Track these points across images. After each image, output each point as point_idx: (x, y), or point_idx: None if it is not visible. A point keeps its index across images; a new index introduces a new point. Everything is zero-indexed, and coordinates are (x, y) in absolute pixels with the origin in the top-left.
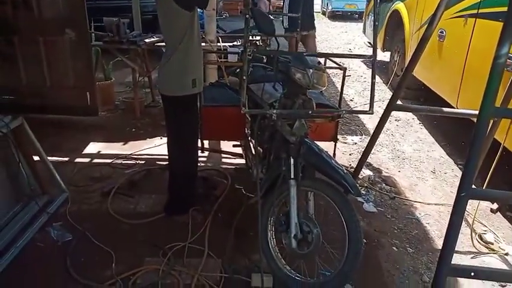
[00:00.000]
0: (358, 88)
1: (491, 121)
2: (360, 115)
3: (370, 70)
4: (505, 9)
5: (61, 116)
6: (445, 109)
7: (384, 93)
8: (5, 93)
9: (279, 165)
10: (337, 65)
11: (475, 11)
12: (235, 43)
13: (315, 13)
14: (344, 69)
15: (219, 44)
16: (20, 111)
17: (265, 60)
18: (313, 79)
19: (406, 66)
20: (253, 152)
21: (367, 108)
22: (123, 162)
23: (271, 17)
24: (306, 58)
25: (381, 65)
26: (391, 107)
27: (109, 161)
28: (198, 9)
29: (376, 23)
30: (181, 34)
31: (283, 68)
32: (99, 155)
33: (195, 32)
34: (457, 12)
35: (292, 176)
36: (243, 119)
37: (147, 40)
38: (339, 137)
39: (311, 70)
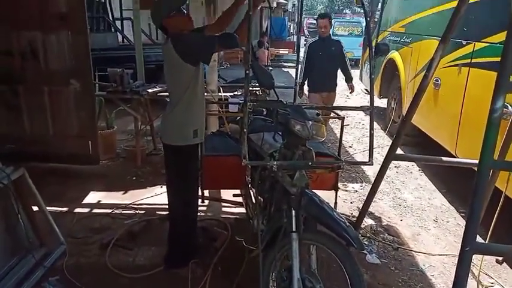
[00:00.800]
0: (357, 134)
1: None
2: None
3: (368, 116)
4: (497, 59)
5: (62, 165)
6: (445, 158)
7: (382, 140)
8: (7, 142)
9: (280, 217)
10: (336, 114)
11: (468, 61)
12: (235, 93)
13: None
14: (342, 119)
15: (220, 93)
16: (22, 159)
17: (265, 112)
18: (313, 130)
19: (403, 116)
20: (254, 202)
21: (366, 155)
22: (123, 212)
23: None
24: (304, 110)
25: (378, 112)
26: (390, 156)
27: (109, 211)
28: None
29: (373, 76)
30: (185, 87)
31: (282, 120)
32: (99, 204)
33: (198, 85)
34: (451, 61)
35: (293, 229)
36: (243, 168)
37: (149, 90)
38: (339, 184)
39: (310, 122)
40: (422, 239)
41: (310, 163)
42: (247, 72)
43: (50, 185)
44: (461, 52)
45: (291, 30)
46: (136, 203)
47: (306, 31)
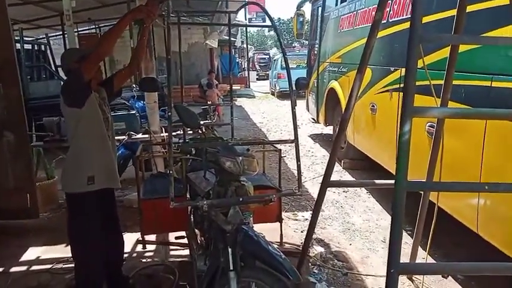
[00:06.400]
0: (307, 163)
1: None
2: (308, 189)
3: (317, 144)
4: (423, 83)
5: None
6: (377, 181)
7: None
8: None
9: (217, 257)
10: (274, 147)
11: (397, 86)
12: (178, 132)
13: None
14: (279, 151)
15: (162, 134)
16: None
17: (193, 152)
18: (244, 166)
19: (331, 151)
20: (197, 242)
21: (316, 182)
22: (64, 266)
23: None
24: (233, 147)
25: (327, 138)
26: (325, 183)
27: (49, 266)
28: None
29: (295, 110)
30: (73, 130)
31: (212, 158)
32: (38, 260)
33: (93, 128)
34: (383, 87)
35: (231, 268)
36: (185, 209)
37: None
38: (289, 214)
39: (240, 157)
40: (371, 261)
41: (241, 199)
42: (169, 114)
43: None
44: (391, 78)
45: (243, 66)
46: None
47: (257, 66)
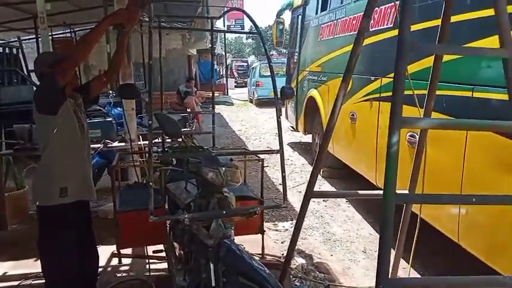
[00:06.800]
0: (286, 171)
1: None
2: (289, 198)
3: (296, 153)
4: (405, 92)
5: None
6: (360, 192)
7: (309, 174)
8: None
9: (198, 272)
10: (257, 157)
11: (377, 95)
12: (156, 140)
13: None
14: (262, 161)
15: (140, 142)
16: None
17: (174, 162)
18: (227, 177)
19: (314, 162)
20: (176, 256)
21: (295, 191)
22: (33, 282)
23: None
24: (216, 157)
25: (306, 146)
26: (309, 195)
27: (16, 283)
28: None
29: (280, 119)
30: (45, 139)
31: (194, 168)
32: (5, 276)
33: (68, 136)
34: (363, 96)
35: (213, 284)
36: (164, 222)
37: None
38: (269, 224)
39: (223, 168)
40: (352, 272)
41: (224, 212)
42: (150, 122)
43: None
44: (371, 87)
45: (221, 73)
46: None
47: (235, 73)
